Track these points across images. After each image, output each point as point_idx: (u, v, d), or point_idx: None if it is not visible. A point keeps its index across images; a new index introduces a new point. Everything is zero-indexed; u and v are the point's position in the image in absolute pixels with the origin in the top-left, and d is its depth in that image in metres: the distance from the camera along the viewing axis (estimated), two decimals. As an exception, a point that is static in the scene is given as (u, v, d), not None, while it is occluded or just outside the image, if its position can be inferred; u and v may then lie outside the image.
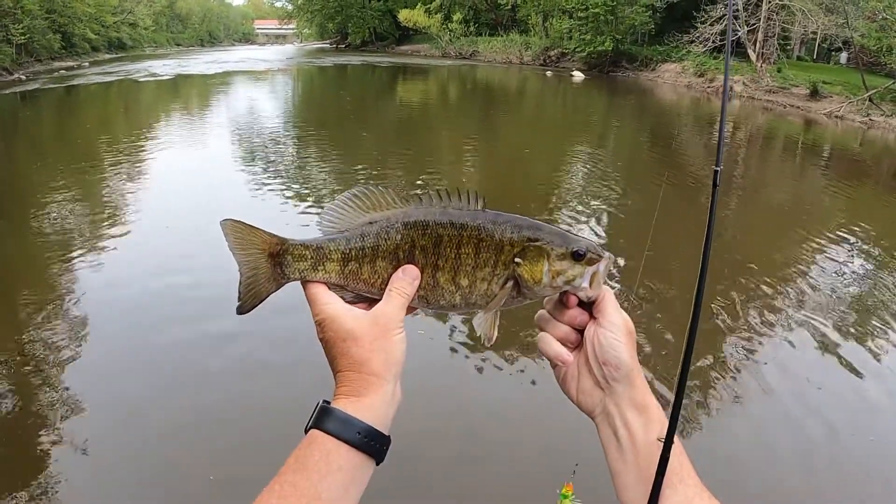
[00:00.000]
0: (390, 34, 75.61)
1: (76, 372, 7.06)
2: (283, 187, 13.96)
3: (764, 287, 10.03)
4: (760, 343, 8.25)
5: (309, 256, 1.29)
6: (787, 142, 28.60)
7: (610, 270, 1.26)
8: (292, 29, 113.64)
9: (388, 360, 1.18)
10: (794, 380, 7.52)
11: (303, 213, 12.28)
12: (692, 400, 6.69)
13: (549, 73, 49.66)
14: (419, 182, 14.92)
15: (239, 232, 1.31)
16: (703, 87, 41.30)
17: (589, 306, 1.27)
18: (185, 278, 9.31)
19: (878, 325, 9.13)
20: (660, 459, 1.12)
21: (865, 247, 13.06)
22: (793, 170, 22.92)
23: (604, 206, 14.21)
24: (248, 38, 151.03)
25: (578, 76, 46.44)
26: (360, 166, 16.23)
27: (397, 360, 1.20)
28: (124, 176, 15.33)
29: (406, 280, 1.25)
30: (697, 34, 40.94)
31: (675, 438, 1.14)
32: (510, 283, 1.26)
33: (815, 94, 37.06)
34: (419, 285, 1.26)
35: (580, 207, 13.82)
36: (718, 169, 1.33)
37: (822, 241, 12.88)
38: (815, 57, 49.27)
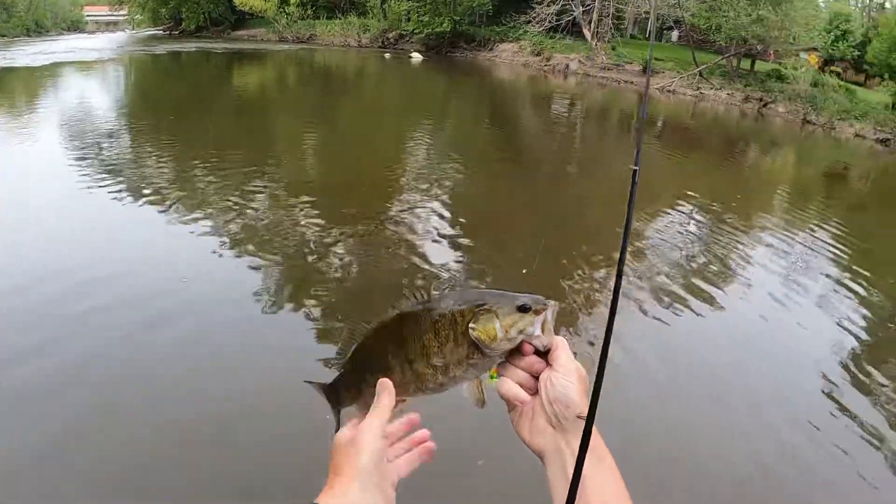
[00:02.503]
0: (226, 19, 72.70)
1: None
2: (118, 182, 12.45)
3: (608, 255, 10.34)
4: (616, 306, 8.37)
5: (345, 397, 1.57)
6: (622, 116, 29.04)
7: (553, 315, 1.35)
8: (124, 15, 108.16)
9: (354, 464, 1.31)
10: (650, 330, 8.24)
11: (139, 208, 11.04)
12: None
13: (387, 55, 48.81)
14: (260, 171, 13.93)
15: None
16: (540, 66, 41.74)
17: (545, 355, 1.36)
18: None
19: (718, 274, 10.51)
20: (582, 435, 1.24)
21: (701, 207, 14.27)
22: (629, 142, 23.13)
23: (448, 186, 13.89)
24: (77, 27, 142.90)
25: (417, 57, 45.86)
26: (197, 159, 14.91)
27: (363, 464, 1.31)
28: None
29: (382, 396, 1.40)
30: (534, 14, 41.26)
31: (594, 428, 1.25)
32: (473, 349, 1.35)
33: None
34: (407, 379, 1.42)
35: (425, 187, 13.38)
36: (636, 168, 1.44)
37: (662, 207, 13.78)
38: (647, 35, 50.57)
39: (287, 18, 60.98)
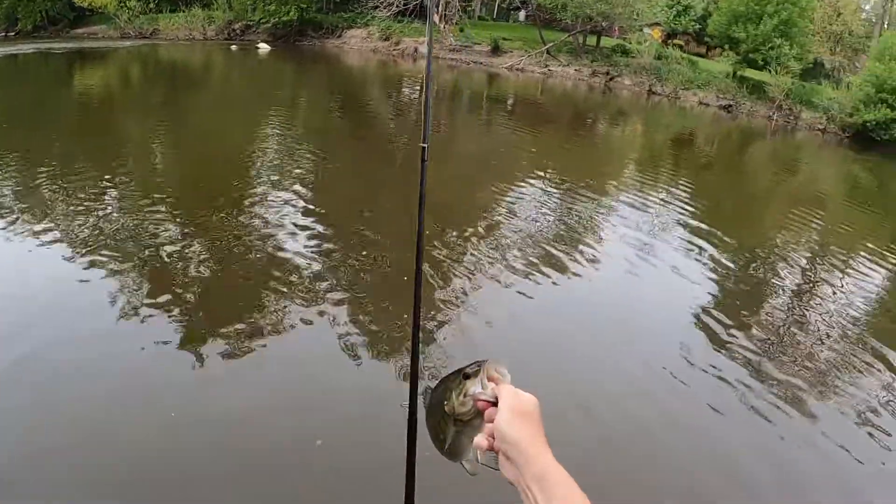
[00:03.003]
0: (64, 16, 68.86)
1: None
2: None
3: (470, 230, 10.48)
4: (475, 279, 8.74)
5: None
6: (473, 96, 28.98)
7: (496, 369, 1.44)
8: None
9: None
10: (515, 298, 8.33)
11: None
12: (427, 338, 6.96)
13: (234, 47, 47.10)
14: (110, 177, 12.69)
15: None
16: (389, 51, 41.20)
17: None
18: None
19: (579, 240, 10.77)
20: (408, 423, 1.67)
21: (556, 181, 14.58)
22: (481, 121, 23.02)
23: (302, 175, 13.29)
24: None
25: (264, 48, 44.49)
26: (43, 169, 13.42)
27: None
28: None
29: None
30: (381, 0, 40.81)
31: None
32: (453, 421, 1.52)
33: (496, 50, 38.17)
34: (440, 449, 1.59)
35: (279, 178, 12.64)
36: (426, 145, 1.72)
37: (518, 183, 13.86)
38: (495, 16, 50.85)
39: (128, 13, 58.06)
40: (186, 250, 8.66)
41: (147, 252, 8.44)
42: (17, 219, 9.61)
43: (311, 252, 8.91)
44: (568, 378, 6.81)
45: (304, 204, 11.07)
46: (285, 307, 7.37)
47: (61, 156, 14.08)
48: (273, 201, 11.15)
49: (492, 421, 1.44)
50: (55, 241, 8.69)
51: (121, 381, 5.85)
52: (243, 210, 10.50)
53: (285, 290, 7.73)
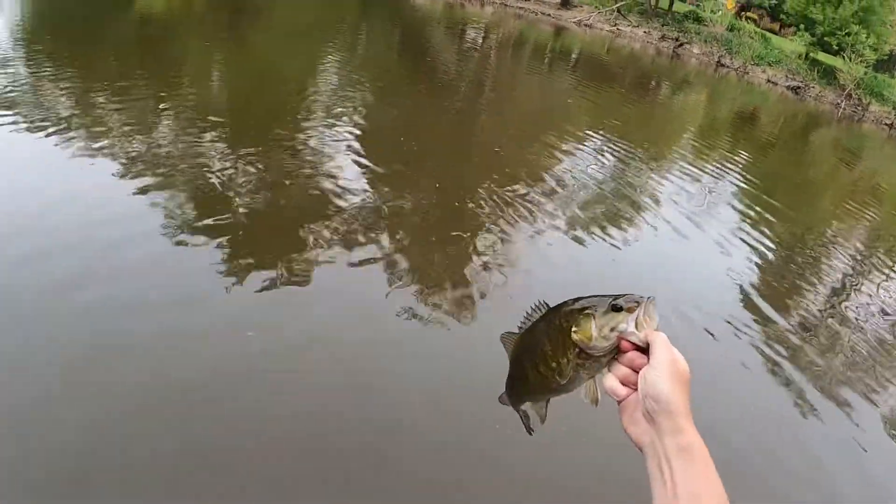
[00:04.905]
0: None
1: None
2: (18, 117, 10.57)
3: (523, 183, 10.16)
4: (537, 230, 8.61)
5: None
6: (537, 46, 28.63)
7: (649, 311, 1.35)
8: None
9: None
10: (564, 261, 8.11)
11: (42, 142, 9.43)
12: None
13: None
14: (164, 98, 12.47)
15: None
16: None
17: (647, 351, 1.36)
18: None
19: (630, 206, 10.40)
20: None
21: (612, 141, 14.06)
22: (543, 73, 22.74)
23: (358, 112, 12.92)
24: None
25: (334, -23, 44.33)
26: (98, 84, 13.14)
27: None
28: None
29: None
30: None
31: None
32: (579, 351, 1.39)
33: (566, 3, 37.57)
34: (536, 382, 1.52)
35: (334, 114, 12.25)
36: None
37: (573, 139, 13.58)
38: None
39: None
40: (238, 179, 8.51)
41: (199, 176, 8.32)
42: (69, 131, 9.47)
43: (358, 188, 8.68)
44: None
45: (354, 142, 10.73)
46: (331, 246, 7.23)
47: (120, 69, 14.03)
48: (325, 135, 10.86)
49: (633, 368, 1.36)
50: (105, 156, 8.58)
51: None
52: (295, 142, 10.30)
53: (333, 229, 7.59)
